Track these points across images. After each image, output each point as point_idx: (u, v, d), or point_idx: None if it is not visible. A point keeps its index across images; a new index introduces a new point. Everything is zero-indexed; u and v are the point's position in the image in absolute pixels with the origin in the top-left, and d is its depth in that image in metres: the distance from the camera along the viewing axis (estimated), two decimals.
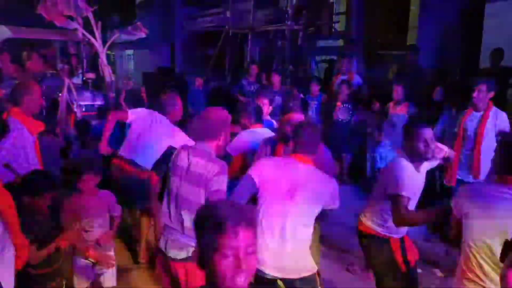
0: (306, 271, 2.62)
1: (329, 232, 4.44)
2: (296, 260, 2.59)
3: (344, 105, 6.51)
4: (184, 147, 2.83)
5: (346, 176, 6.54)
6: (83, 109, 7.46)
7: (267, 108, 6.55)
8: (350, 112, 6.50)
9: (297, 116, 3.33)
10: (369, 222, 3.01)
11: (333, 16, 10.83)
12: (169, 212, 2.77)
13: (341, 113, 6.51)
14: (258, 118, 4.02)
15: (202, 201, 2.61)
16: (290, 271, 2.58)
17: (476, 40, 7.35)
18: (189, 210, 2.66)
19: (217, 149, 2.74)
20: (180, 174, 2.73)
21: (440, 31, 8.25)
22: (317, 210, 2.62)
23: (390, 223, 2.86)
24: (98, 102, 7.92)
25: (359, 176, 6.47)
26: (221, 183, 2.60)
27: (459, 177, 4.53)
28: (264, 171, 2.68)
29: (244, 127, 4.10)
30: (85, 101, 7.69)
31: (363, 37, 8.71)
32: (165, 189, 2.86)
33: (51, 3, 6.37)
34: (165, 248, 2.73)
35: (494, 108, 4.45)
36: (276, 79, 6.98)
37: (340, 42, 10.60)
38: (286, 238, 2.57)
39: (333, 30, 10.85)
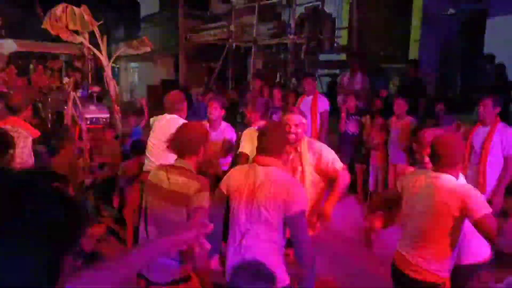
0: (277, 282, 2.50)
1: (328, 242, 4.49)
2: (265, 269, 2.49)
3: (352, 117, 6.47)
4: (161, 166, 2.74)
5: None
6: (88, 122, 7.53)
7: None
8: (358, 124, 6.45)
9: (297, 118, 3.22)
10: (433, 266, 2.53)
11: (335, 30, 10.94)
12: (147, 233, 2.67)
13: (351, 126, 6.46)
14: (265, 115, 4.02)
15: (184, 220, 2.52)
16: (260, 279, 2.50)
17: (477, 55, 7.41)
18: (171, 230, 2.59)
19: (197, 165, 2.68)
20: (159, 193, 2.64)
21: (441, 45, 8.34)
22: (276, 213, 2.45)
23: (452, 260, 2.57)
24: (103, 115, 7.99)
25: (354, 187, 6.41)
26: (202, 200, 2.51)
27: None
28: (230, 180, 2.65)
29: (249, 123, 4.11)
30: (90, 114, 7.77)
31: (365, 51, 8.79)
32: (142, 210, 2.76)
33: (56, 18, 6.45)
34: (147, 271, 2.58)
35: (501, 124, 4.44)
36: (277, 94, 7.01)
37: (342, 56, 10.69)
38: (249, 245, 2.51)
39: (335, 44, 10.96)
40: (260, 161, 2.60)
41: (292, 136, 3.11)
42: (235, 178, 2.64)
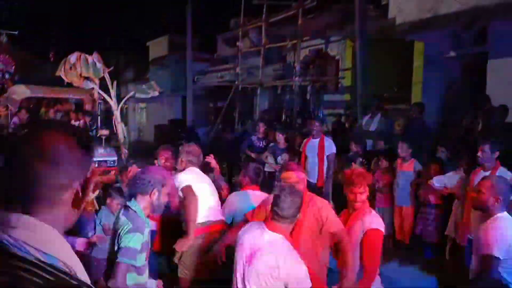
0: None
1: None
2: None
3: (358, 159, 6.53)
4: (122, 206, 2.84)
5: None
6: (96, 165, 7.63)
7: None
8: (365, 166, 6.49)
9: (297, 174, 3.23)
10: None
11: (339, 71, 11.17)
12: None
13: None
14: (256, 180, 4.05)
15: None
16: None
17: (479, 96, 7.47)
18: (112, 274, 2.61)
19: (150, 206, 2.73)
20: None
21: (443, 86, 8.45)
22: (274, 284, 2.42)
23: None
24: (111, 158, 8.10)
25: None
26: (129, 241, 2.52)
27: (471, 237, 4.49)
28: (241, 234, 2.70)
29: (240, 186, 4.21)
30: (98, 157, 7.88)
31: (368, 92, 8.94)
32: None
33: (69, 66, 6.70)
34: None
35: (501, 168, 4.44)
36: (281, 137, 7.11)
37: (347, 96, 10.86)
38: None
39: (339, 85, 11.17)
40: (272, 227, 2.56)
41: None
42: (241, 233, 2.69)
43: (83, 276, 0.96)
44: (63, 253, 0.93)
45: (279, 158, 6.93)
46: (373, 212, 3.23)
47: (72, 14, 21.18)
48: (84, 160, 1.01)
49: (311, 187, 6.41)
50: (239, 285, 2.55)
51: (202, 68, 15.24)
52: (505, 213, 2.89)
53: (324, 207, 3.18)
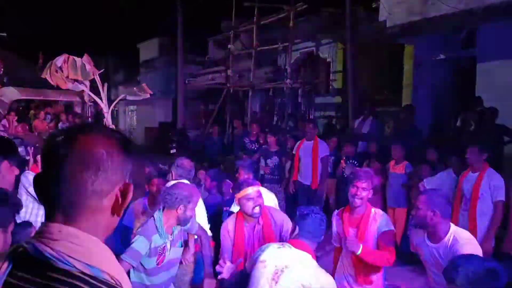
0: None
1: None
2: None
3: (350, 161, 6.57)
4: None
5: None
6: None
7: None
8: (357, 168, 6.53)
9: (255, 189, 3.24)
10: None
11: (330, 74, 11.22)
12: None
13: (348, 169, 6.54)
14: (256, 176, 4.02)
15: None
16: None
17: (469, 98, 7.56)
18: None
19: (176, 220, 2.93)
20: None
21: (433, 89, 8.53)
22: None
23: None
24: None
25: None
26: (133, 242, 2.82)
27: None
28: (255, 254, 2.64)
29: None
30: None
31: (359, 94, 8.99)
32: None
33: (55, 68, 6.54)
34: None
35: (489, 169, 4.49)
36: (271, 140, 7.09)
37: (338, 99, 10.91)
38: None
39: (330, 87, 11.21)
40: (298, 244, 2.52)
41: (257, 209, 3.16)
42: (263, 252, 2.59)
43: (129, 287, 0.93)
44: (108, 264, 0.90)
45: (268, 161, 6.91)
46: (382, 212, 3.33)
47: (62, 16, 21.02)
48: (124, 164, 0.97)
49: (306, 190, 6.45)
50: None
51: (193, 71, 15.20)
52: (453, 226, 2.83)
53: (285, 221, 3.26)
